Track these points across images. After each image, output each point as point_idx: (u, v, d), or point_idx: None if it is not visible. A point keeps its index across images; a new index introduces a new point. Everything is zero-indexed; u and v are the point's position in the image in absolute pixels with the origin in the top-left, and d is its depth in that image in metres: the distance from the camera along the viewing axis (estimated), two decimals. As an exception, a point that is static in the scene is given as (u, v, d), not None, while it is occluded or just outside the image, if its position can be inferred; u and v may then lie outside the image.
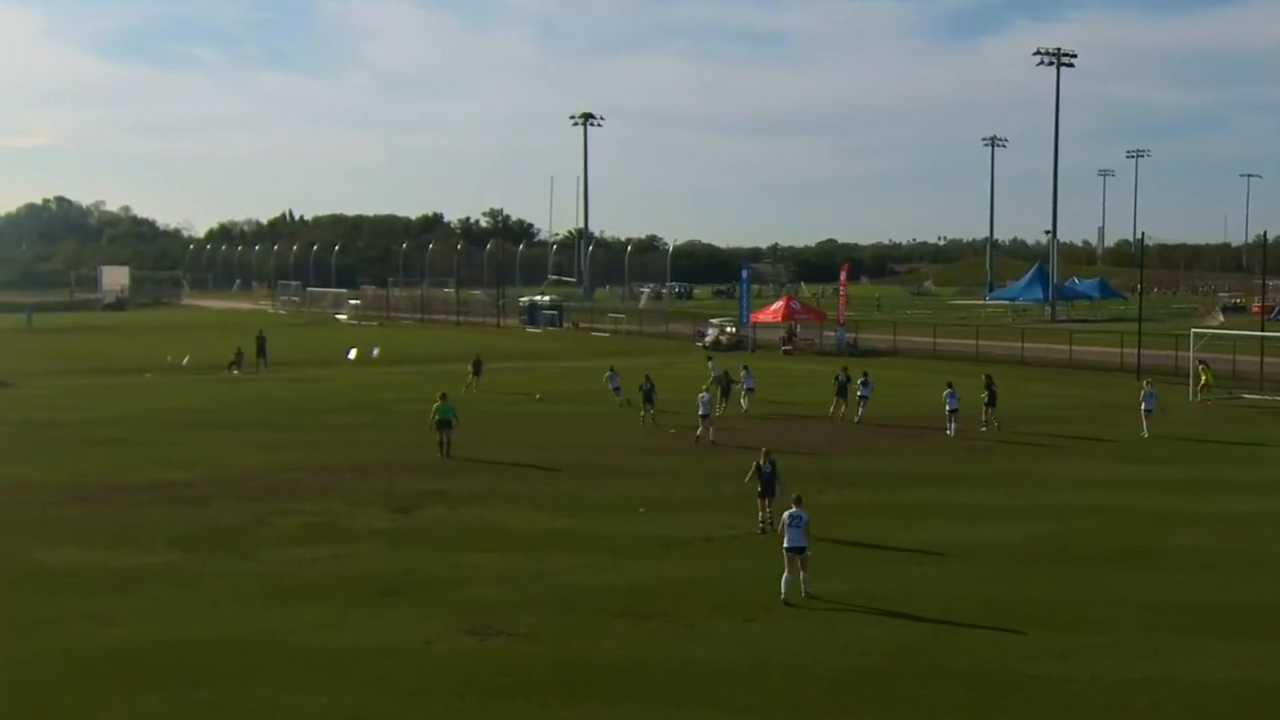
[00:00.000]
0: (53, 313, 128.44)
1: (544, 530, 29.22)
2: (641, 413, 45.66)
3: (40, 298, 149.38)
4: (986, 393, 45.57)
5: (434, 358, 76.50)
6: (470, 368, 57.49)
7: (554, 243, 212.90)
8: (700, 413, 42.26)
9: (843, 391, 47.79)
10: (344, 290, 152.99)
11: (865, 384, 48.04)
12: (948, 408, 44.67)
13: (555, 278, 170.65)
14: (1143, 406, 43.79)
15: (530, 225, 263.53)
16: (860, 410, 47.47)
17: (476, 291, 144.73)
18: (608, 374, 52.84)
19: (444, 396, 40.06)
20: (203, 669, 19.60)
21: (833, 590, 23.88)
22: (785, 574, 23.48)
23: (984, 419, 45.02)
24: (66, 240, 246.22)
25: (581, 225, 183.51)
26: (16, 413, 50.35)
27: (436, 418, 39.29)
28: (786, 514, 23.85)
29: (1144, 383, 46.40)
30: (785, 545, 23.58)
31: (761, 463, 28.94)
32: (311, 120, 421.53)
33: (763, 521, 28.58)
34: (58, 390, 59.53)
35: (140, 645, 20.80)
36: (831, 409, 47.75)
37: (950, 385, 45.46)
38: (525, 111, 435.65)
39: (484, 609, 22.74)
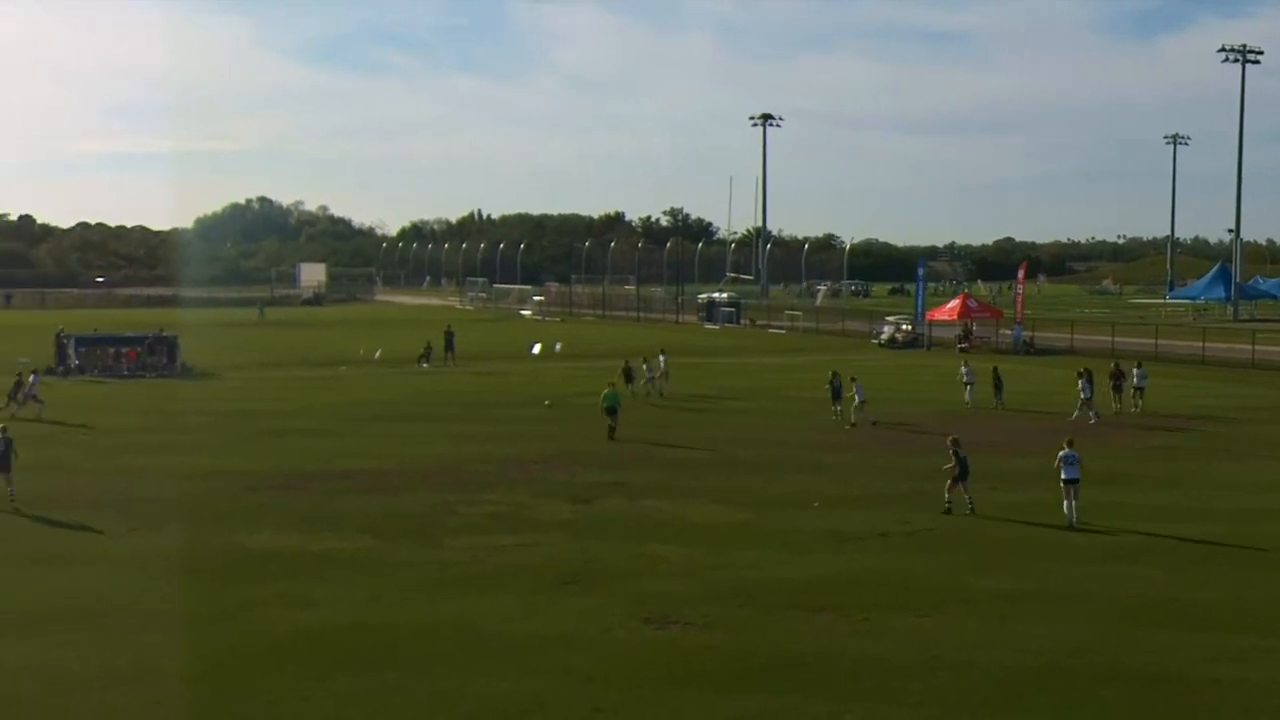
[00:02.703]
0: (250, 308, 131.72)
1: (720, 523, 29.23)
2: (834, 409, 45.39)
3: (243, 293, 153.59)
4: (1084, 382, 46.06)
5: (615, 353, 76.88)
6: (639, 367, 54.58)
7: (732, 241, 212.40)
8: (860, 399, 44.46)
9: (1118, 386, 48.00)
10: (529, 287, 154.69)
11: (1142, 374, 48.92)
12: (1082, 395, 45.58)
13: (733, 275, 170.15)
14: None
15: (709, 224, 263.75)
16: (1139, 402, 48.09)
17: (656, 288, 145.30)
18: (644, 365, 54.59)
19: (612, 385, 43.16)
20: (392, 652, 20.00)
21: (1005, 588, 23.54)
22: (1065, 502, 28.56)
23: (1083, 410, 45.67)
24: (268, 239, 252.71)
25: (760, 224, 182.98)
26: (221, 404, 51.83)
27: (605, 405, 41.77)
28: (1062, 454, 28.81)
29: None
30: (1064, 478, 28.59)
31: (960, 451, 29.90)
32: (500, 122, 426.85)
33: (970, 502, 29.79)
34: (258, 382, 61.15)
35: (334, 627, 21.30)
36: (1115, 405, 47.61)
37: (1087, 372, 46.54)
38: (706, 112, 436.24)
39: (661, 599, 22.83)
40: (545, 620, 21.74)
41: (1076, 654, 19.89)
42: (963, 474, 29.76)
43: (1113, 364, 50.39)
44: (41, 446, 39.22)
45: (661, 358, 55.86)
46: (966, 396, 49.93)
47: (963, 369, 51.40)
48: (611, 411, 41.58)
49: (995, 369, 50.84)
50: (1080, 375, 46.33)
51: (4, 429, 31.88)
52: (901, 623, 21.50)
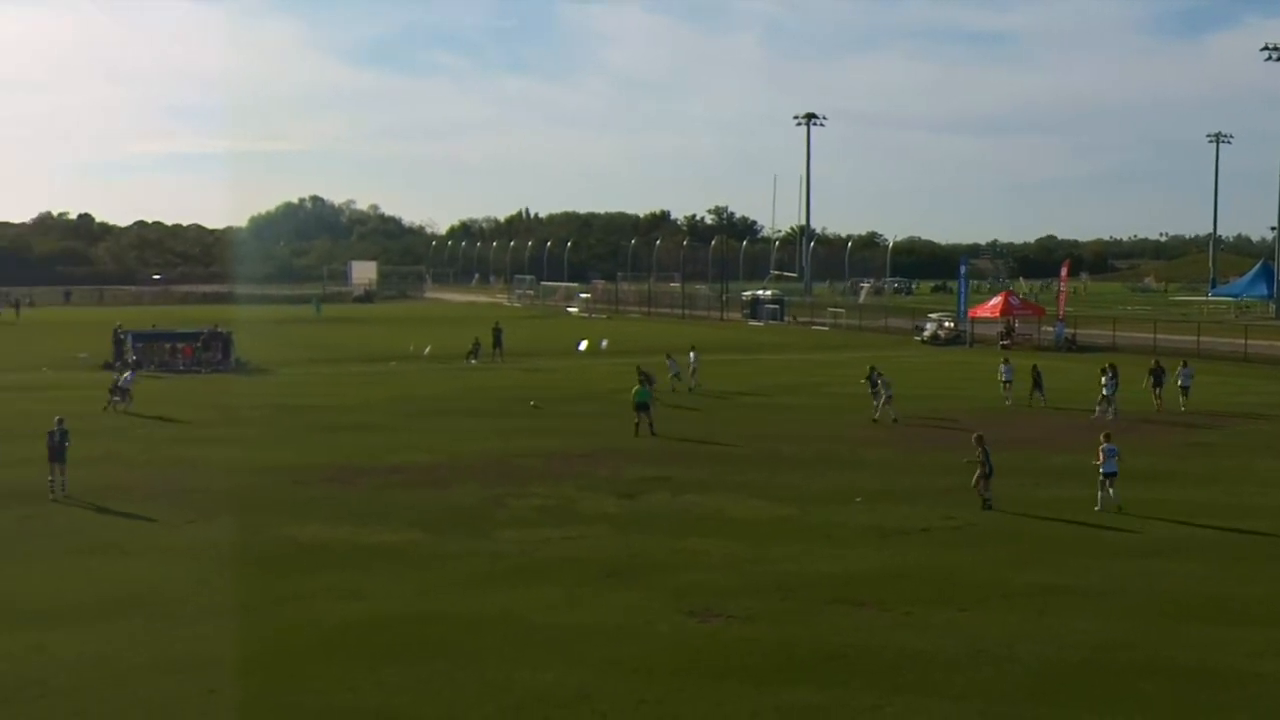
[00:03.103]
0: (306, 305, 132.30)
1: (763, 518, 29.18)
2: (874, 405, 45.17)
3: (295, 290, 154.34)
4: (1107, 378, 45.79)
5: (659, 350, 76.86)
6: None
7: (776, 239, 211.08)
8: (887, 395, 44.46)
9: (1158, 382, 47.38)
10: (575, 284, 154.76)
11: (1187, 374, 48.24)
12: (1104, 391, 45.29)
13: (777, 273, 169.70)
14: None
15: (754, 222, 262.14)
16: (1183, 401, 47.19)
17: (701, 286, 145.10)
18: (667, 360, 55.34)
19: (642, 381, 42.97)
20: (440, 643, 20.10)
21: (1046, 583, 23.42)
22: (1100, 493, 29.20)
23: (1100, 406, 45.50)
24: (320, 237, 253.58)
25: (803, 222, 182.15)
26: (273, 398, 52.09)
27: (635, 400, 41.72)
28: (1102, 448, 29.20)
29: None
30: (1103, 471, 29.12)
31: (987, 449, 29.78)
32: (548, 122, 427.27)
33: (987, 498, 29.69)
34: (310, 377, 61.40)
35: (382, 619, 21.39)
36: (1156, 402, 47.06)
37: (1103, 370, 46.35)
38: (751, 112, 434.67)
39: (705, 592, 22.82)
40: (591, 612, 21.78)
41: (1117, 648, 19.76)
42: (992, 471, 29.78)
43: (1153, 361, 50.01)
44: (101, 439, 39.63)
45: (692, 354, 56.52)
46: (1005, 395, 49.54)
47: (1002, 367, 50.77)
48: (642, 408, 41.41)
49: (1035, 366, 50.38)
50: (1104, 371, 46.13)
51: (60, 420, 32.19)
52: (943, 617, 21.42)
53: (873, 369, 46.50)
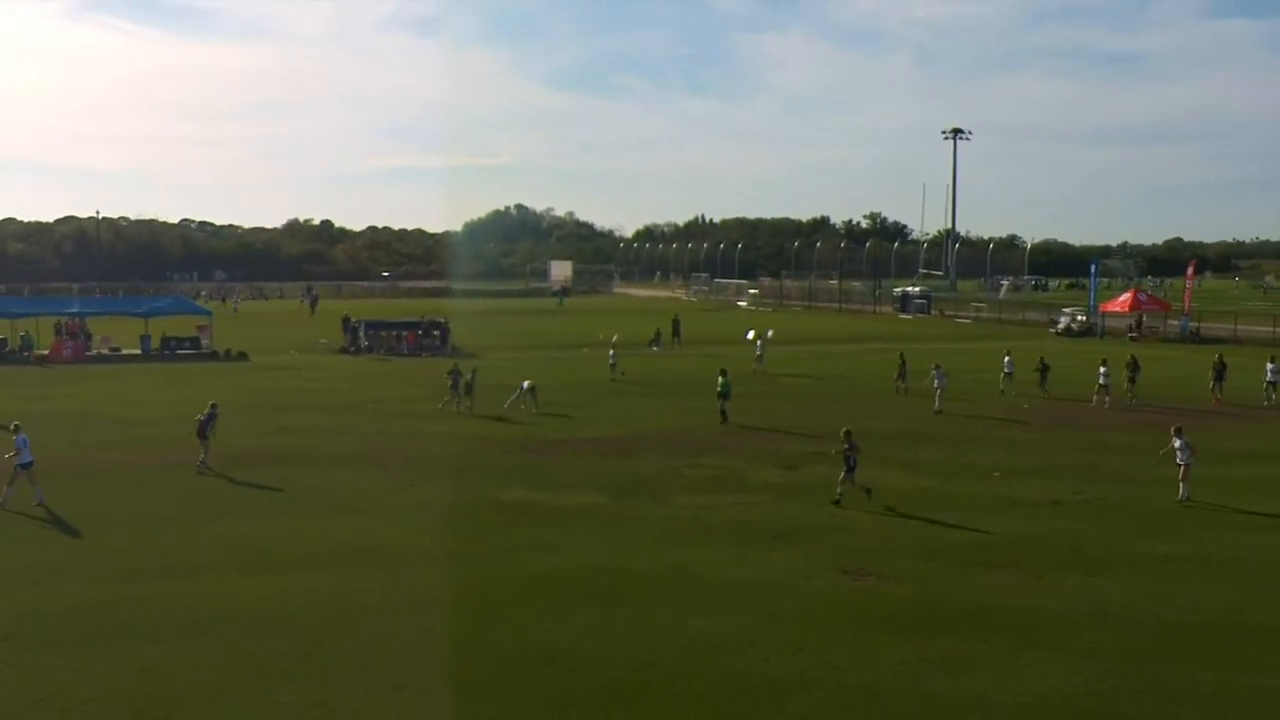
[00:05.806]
0: (511, 298, 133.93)
1: (909, 489, 28.81)
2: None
3: (501, 286, 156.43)
4: (1128, 370, 44.52)
5: (818, 339, 76.47)
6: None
7: (925, 241, 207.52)
8: (941, 386, 42.18)
9: (1219, 376, 45.11)
10: (745, 281, 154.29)
11: (1275, 369, 44.76)
12: (1099, 381, 43.38)
13: (925, 272, 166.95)
14: None
15: (904, 226, 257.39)
16: (1272, 396, 44.45)
17: (857, 283, 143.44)
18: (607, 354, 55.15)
19: (724, 372, 40.40)
20: (623, 592, 20.30)
21: (1167, 552, 22.78)
22: (1182, 484, 27.13)
23: (1098, 396, 43.44)
24: (524, 240, 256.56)
25: (949, 226, 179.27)
26: (481, 379, 52.71)
27: (720, 390, 39.63)
28: (1177, 441, 27.31)
29: None
30: (1181, 462, 27.15)
31: (855, 444, 27.19)
32: (722, 138, 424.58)
33: (840, 493, 26.99)
34: (514, 361, 62.01)
35: (574, 571, 21.67)
36: (1213, 396, 44.80)
37: (1105, 361, 44.60)
38: (903, 127, 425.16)
39: (857, 554, 22.67)
40: (755, 570, 21.79)
41: (1232, 613, 19.18)
42: (849, 466, 27.15)
43: (1216, 355, 47.25)
44: (337, 414, 40.77)
45: (761, 339, 58.70)
46: (1003, 385, 46.72)
47: (1005, 359, 47.89)
48: (723, 397, 39.36)
49: (1041, 359, 47.93)
50: (1103, 362, 44.39)
51: (214, 405, 32.21)
52: (1072, 580, 20.98)
53: (903, 355, 45.32)
